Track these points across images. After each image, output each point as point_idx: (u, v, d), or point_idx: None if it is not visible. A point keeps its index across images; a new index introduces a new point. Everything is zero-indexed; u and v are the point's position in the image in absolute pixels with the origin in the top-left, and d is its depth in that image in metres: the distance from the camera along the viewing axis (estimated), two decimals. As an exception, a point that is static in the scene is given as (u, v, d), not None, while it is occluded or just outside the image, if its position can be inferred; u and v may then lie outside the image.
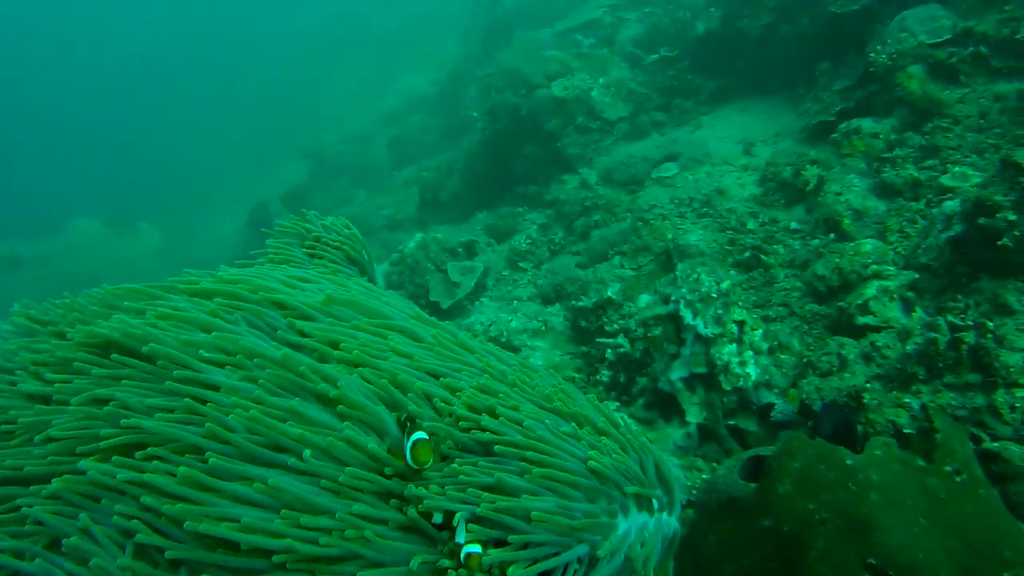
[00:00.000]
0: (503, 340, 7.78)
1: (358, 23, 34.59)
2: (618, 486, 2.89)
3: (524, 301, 8.99)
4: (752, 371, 5.73)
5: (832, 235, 7.02)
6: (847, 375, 5.33)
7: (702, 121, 10.80)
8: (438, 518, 2.67)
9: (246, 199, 21.73)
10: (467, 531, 2.61)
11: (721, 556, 3.35)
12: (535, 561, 2.59)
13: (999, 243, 5.35)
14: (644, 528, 2.85)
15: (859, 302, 5.84)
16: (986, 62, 7.57)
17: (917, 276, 5.95)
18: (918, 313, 5.58)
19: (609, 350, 6.80)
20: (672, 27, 12.58)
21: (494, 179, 12.42)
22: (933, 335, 5.00)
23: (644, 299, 7.30)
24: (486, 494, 2.69)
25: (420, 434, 2.74)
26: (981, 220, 5.42)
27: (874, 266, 6.12)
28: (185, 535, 2.60)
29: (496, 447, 2.88)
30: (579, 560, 2.67)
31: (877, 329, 5.66)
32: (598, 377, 6.83)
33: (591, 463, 2.86)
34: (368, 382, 3.13)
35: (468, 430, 2.99)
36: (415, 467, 2.74)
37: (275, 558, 2.51)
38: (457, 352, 3.53)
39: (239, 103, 35.17)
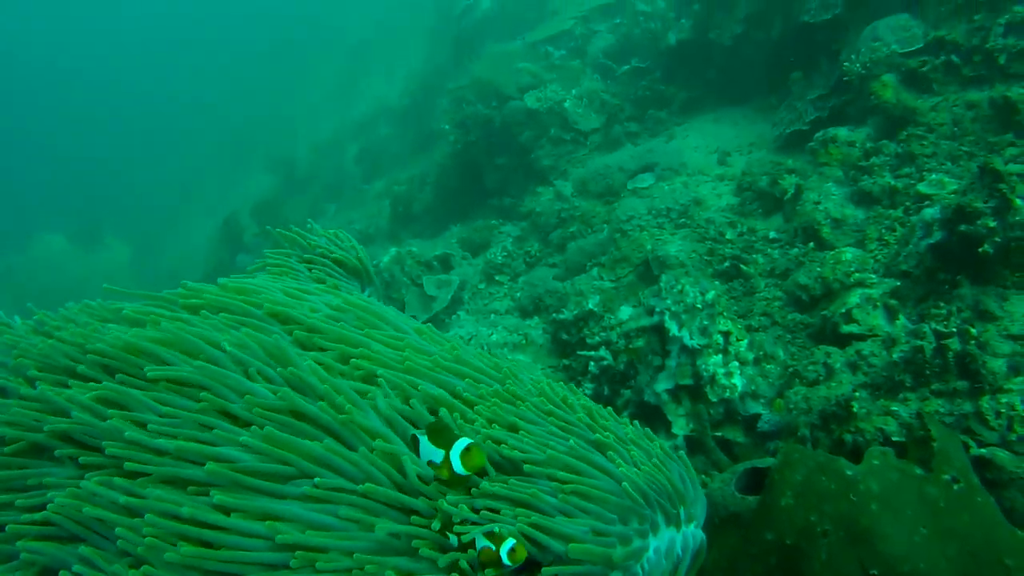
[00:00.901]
0: (484, 354, 7.71)
1: (326, 33, 34.42)
2: (649, 502, 2.86)
3: (502, 314, 8.94)
4: (738, 382, 5.72)
5: (811, 244, 7.04)
6: (834, 384, 5.33)
7: (676, 131, 10.83)
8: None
9: (216, 212, 21.56)
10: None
11: (723, 571, 3.32)
12: None
13: (980, 249, 5.38)
14: (672, 546, 2.83)
15: (843, 310, 5.85)
16: (957, 71, 7.66)
17: (898, 284, 5.97)
18: (901, 320, 5.60)
19: (592, 363, 6.77)
20: (643, 38, 12.62)
21: (467, 191, 12.41)
22: (919, 342, 5.01)
23: (625, 311, 7.27)
24: (520, 509, 2.65)
25: (466, 439, 2.65)
26: (962, 227, 5.45)
27: (857, 274, 6.14)
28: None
29: (525, 466, 2.84)
30: None
31: (862, 337, 5.67)
32: (581, 390, 6.79)
33: (625, 484, 2.82)
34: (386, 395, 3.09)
35: (498, 443, 2.94)
36: (467, 474, 2.64)
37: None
38: (470, 364, 3.49)
39: (207, 114, 34.91)
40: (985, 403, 4.70)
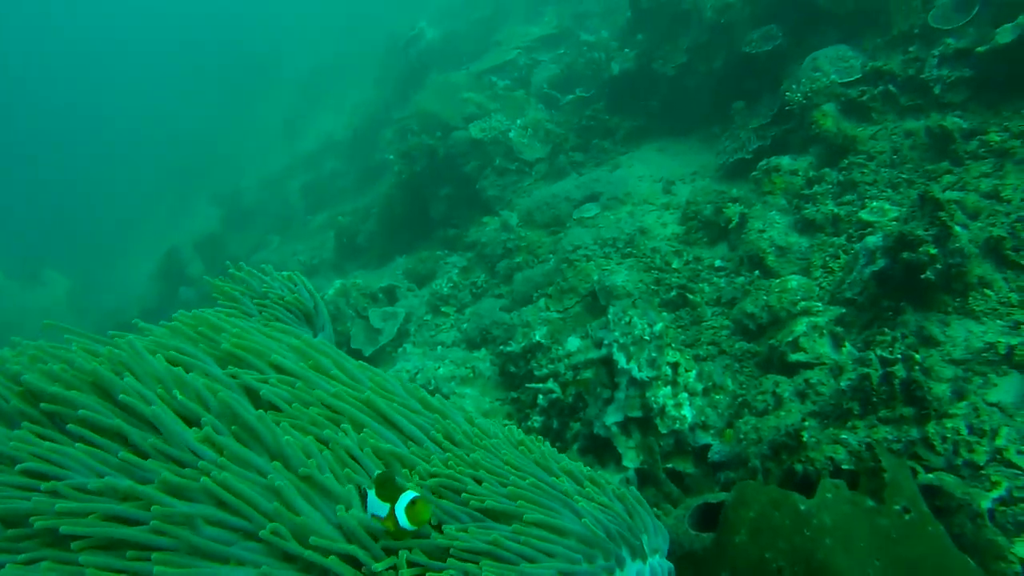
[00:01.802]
0: (431, 388, 7.61)
1: (271, 65, 34.26)
2: (611, 536, 2.79)
3: (449, 346, 8.84)
4: (688, 413, 5.69)
5: (757, 272, 7.08)
6: (783, 413, 5.32)
7: (620, 161, 10.87)
8: None
9: (158, 246, 21.22)
10: None
11: (679, 612, 3.25)
12: None
13: (922, 276, 5.44)
14: (643, 571, 2.76)
15: (790, 339, 5.86)
16: (895, 100, 7.81)
17: (844, 311, 6.01)
18: (847, 348, 5.63)
19: (540, 395, 6.70)
20: (586, 68, 12.71)
21: (412, 222, 12.32)
22: (866, 370, 5.03)
23: (573, 342, 7.23)
24: (485, 561, 2.55)
25: (412, 492, 2.56)
26: (904, 254, 5.51)
27: (803, 302, 6.17)
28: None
29: (485, 505, 2.77)
30: None
31: (809, 366, 5.69)
32: (530, 423, 6.69)
33: (586, 520, 2.75)
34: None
35: (457, 492, 2.85)
36: (413, 528, 2.55)
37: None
38: (418, 410, 3.39)
39: (152, 147, 34.41)
40: (931, 428, 4.73)
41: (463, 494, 2.83)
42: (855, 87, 7.94)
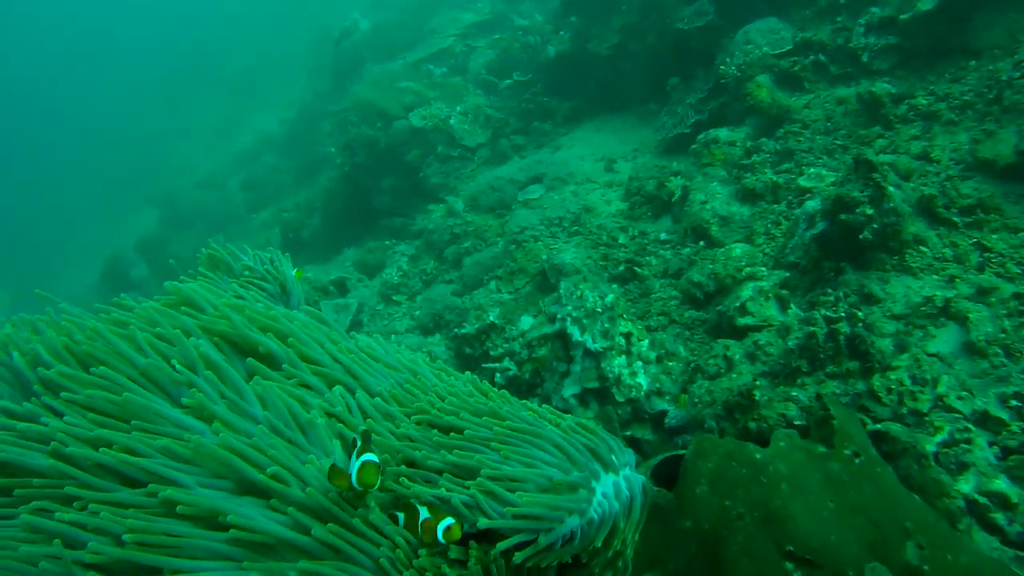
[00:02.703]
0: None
1: (204, 64, 33.71)
2: (582, 454, 2.92)
3: (403, 334, 8.88)
4: (643, 380, 5.83)
5: (701, 242, 7.24)
6: (735, 375, 5.48)
7: (561, 142, 10.99)
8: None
9: (98, 252, 20.80)
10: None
11: (645, 564, 3.37)
12: (534, 542, 2.58)
13: (860, 236, 5.63)
14: (619, 488, 2.88)
15: (737, 304, 6.02)
16: (826, 69, 8.03)
17: (787, 274, 6.19)
18: (793, 309, 5.81)
19: (498, 374, 6.79)
20: (522, 52, 12.79)
21: (357, 214, 12.32)
22: (812, 329, 5.21)
23: (526, 321, 7.33)
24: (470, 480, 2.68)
25: (370, 455, 2.64)
26: (842, 216, 5.70)
27: (747, 268, 6.34)
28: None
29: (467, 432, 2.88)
30: (571, 532, 2.66)
31: (758, 328, 5.85)
32: (488, 401, 6.79)
33: (559, 440, 2.88)
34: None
35: (442, 428, 2.95)
36: (359, 489, 2.63)
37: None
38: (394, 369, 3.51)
39: (83, 152, 33.66)
40: (876, 381, 4.92)
41: (446, 423, 2.97)
42: (787, 58, 8.15)
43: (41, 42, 47.55)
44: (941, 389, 4.81)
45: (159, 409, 2.92)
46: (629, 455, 3.15)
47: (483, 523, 2.58)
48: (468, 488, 2.65)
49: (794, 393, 4.99)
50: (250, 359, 3.29)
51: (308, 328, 3.59)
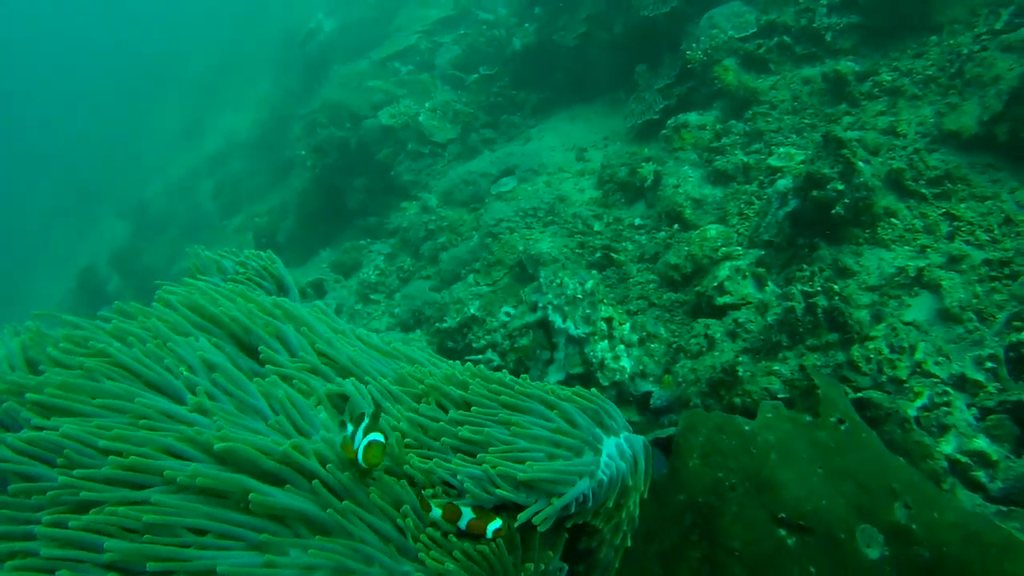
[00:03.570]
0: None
1: (166, 67, 33.38)
2: (591, 421, 2.98)
3: (383, 332, 8.90)
4: (627, 363, 5.90)
5: (676, 226, 7.32)
6: (717, 353, 5.57)
7: (531, 134, 11.05)
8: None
9: (69, 264, 20.58)
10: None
11: (642, 538, 3.44)
12: (550, 505, 2.63)
13: (832, 212, 5.74)
14: (622, 449, 2.93)
15: (715, 284, 6.11)
16: (791, 50, 8.14)
17: (763, 253, 6.29)
18: (770, 286, 5.91)
19: (482, 366, 6.82)
20: (488, 46, 12.82)
21: (331, 215, 12.32)
22: (790, 304, 5.30)
23: (506, 312, 7.38)
24: (485, 455, 2.72)
25: (376, 435, 2.66)
26: (814, 192, 5.80)
27: (723, 248, 6.42)
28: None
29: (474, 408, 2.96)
30: (583, 496, 2.71)
31: (736, 307, 5.95)
32: (474, 393, 6.83)
33: (565, 405, 2.94)
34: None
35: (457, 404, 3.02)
36: (364, 467, 2.64)
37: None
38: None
39: (46, 163, 33.20)
40: (856, 351, 5.02)
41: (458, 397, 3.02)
42: (752, 41, 8.25)
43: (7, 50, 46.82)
44: (919, 356, 4.92)
45: (167, 409, 2.93)
46: (623, 418, 3.22)
47: (500, 494, 2.61)
48: (480, 463, 2.70)
49: (776, 367, 5.08)
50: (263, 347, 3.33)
51: (315, 315, 3.65)
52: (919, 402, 4.63)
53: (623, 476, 2.86)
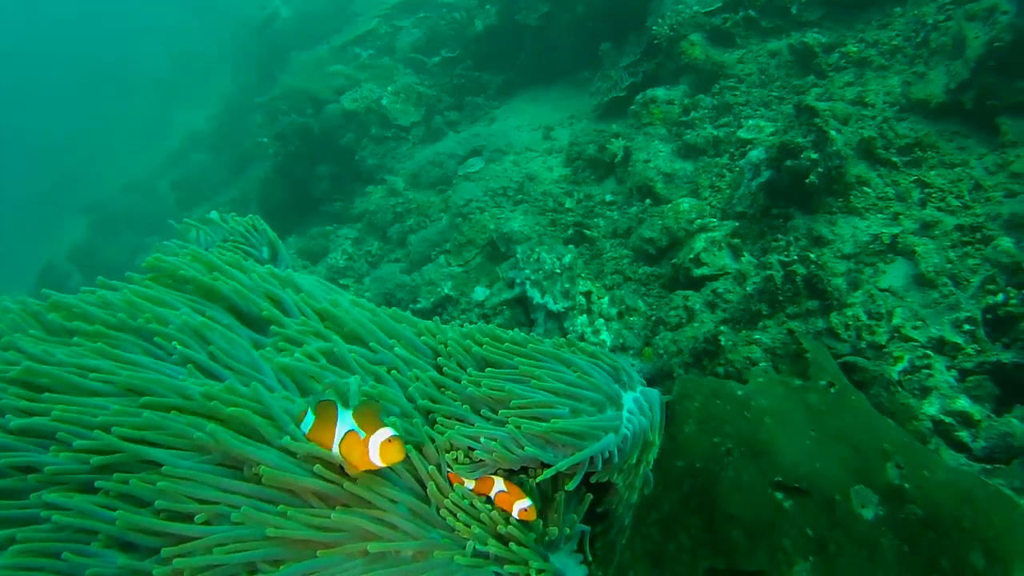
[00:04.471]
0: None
1: (123, 65, 32.77)
2: (608, 377, 2.96)
3: (355, 315, 8.81)
4: (606, 337, 5.90)
5: (648, 200, 7.31)
6: (697, 324, 5.58)
7: (496, 115, 10.99)
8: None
9: (29, 266, 20.11)
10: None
11: (644, 506, 3.43)
12: (577, 464, 2.57)
13: (807, 181, 5.77)
14: (640, 404, 2.92)
15: (691, 256, 6.11)
16: (756, 24, 8.17)
17: (737, 224, 6.30)
18: (747, 257, 5.92)
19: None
20: (449, 28, 12.73)
21: (296, 202, 12.17)
22: (768, 272, 5.33)
23: (480, 291, 7.35)
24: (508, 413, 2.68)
25: (390, 430, 2.40)
26: (788, 162, 5.82)
27: (698, 220, 6.43)
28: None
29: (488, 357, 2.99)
30: (608, 452, 2.67)
31: (714, 277, 5.95)
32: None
33: (580, 361, 2.93)
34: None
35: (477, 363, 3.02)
36: (382, 466, 2.39)
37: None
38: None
39: (8, 164, 32.41)
40: (835, 319, 5.06)
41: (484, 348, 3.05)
42: (718, 15, 8.28)
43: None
44: (896, 321, 4.97)
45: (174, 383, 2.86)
46: (639, 376, 3.20)
47: (529, 451, 2.53)
48: (503, 422, 2.65)
49: (757, 336, 5.10)
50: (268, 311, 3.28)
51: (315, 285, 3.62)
52: (899, 366, 4.68)
53: (644, 431, 2.84)
